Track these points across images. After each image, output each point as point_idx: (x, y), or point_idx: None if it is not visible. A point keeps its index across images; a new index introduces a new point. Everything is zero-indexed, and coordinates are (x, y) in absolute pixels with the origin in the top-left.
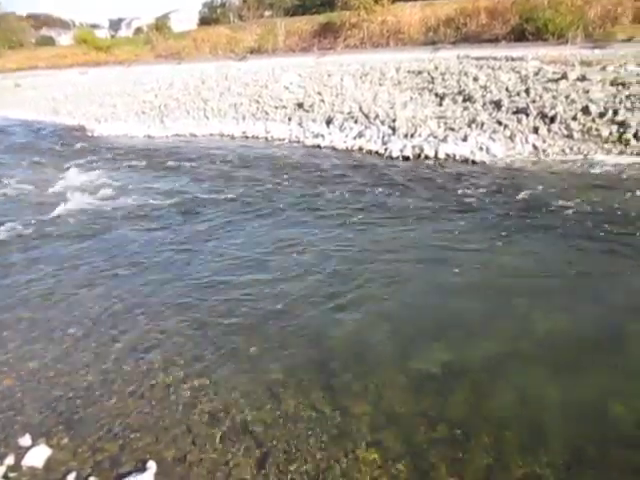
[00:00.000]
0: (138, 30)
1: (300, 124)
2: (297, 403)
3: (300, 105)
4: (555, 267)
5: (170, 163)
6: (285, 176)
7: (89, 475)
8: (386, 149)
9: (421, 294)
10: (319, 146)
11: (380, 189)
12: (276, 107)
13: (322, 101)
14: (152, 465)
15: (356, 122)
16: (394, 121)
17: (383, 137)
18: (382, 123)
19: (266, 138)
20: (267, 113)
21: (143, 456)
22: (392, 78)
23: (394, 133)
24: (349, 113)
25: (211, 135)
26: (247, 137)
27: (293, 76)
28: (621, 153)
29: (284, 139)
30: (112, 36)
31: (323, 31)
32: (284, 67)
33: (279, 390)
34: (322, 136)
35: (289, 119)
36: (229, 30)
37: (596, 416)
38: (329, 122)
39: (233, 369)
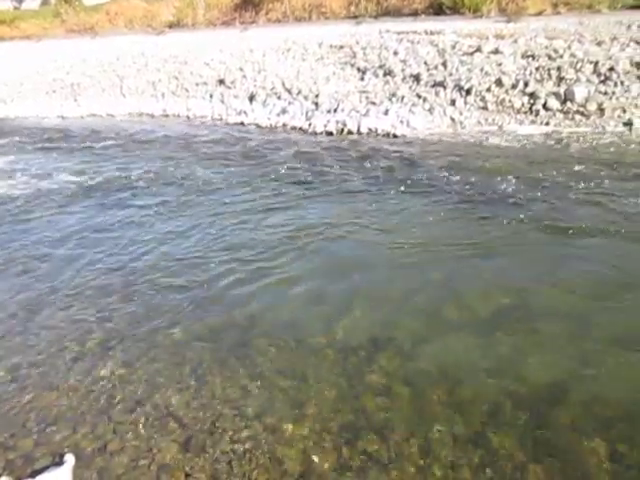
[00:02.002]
0: (45, 2)
1: (222, 101)
2: (223, 383)
3: (221, 81)
4: (469, 235)
5: (85, 144)
6: (206, 155)
7: None
8: (310, 125)
9: (339, 269)
10: (242, 123)
11: (302, 165)
12: (197, 84)
13: (244, 77)
14: (70, 458)
15: (279, 98)
16: (317, 96)
17: (307, 113)
18: (305, 99)
19: (187, 116)
20: (187, 90)
21: (60, 450)
22: (315, 53)
23: (317, 108)
24: (272, 89)
25: (129, 114)
26: (167, 115)
27: (214, 51)
28: (532, 123)
29: (206, 117)
30: (15, 8)
31: (244, 4)
32: (205, 42)
33: (204, 372)
34: (245, 113)
35: (210, 96)
36: (145, 3)
37: (510, 376)
38: (252, 98)
39: (155, 353)
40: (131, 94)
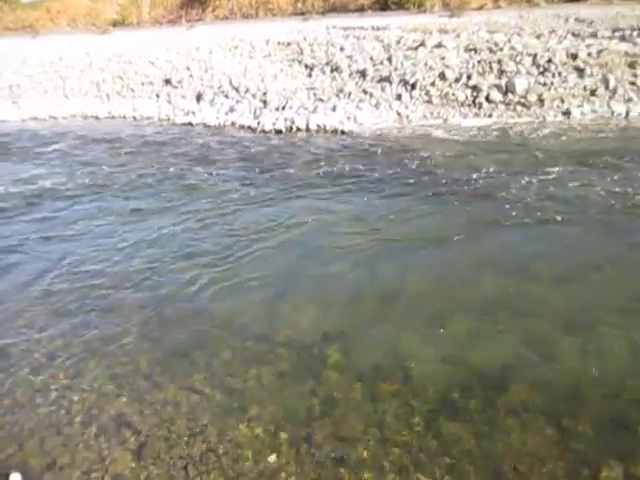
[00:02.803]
0: None
1: (169, 101)
2: (176, 387)
3: (168, 81)
4: (417, 225)
5: (26, 149)
6: (153, 158)
7: None
8: (259, 123)
9: (288, 268)
10: (190, 123)
11: (250, 164)
12: (142, 84)
13: (191, 76)
14: (16, 477)
15: (227, 97)
16: (265, 94)
17: (255, 111)
18: (253, 97)
19: (134, 117)
20: (133, 90)
21: (4, 469)
22: (262, 50)
23: (265, 106)
24: (219, 88)
25: (73, 116)
26: (113, 117)
27: (159, 50)
28: (476, 115)
29: (153, 118)
30: None
31: (191, 2)
32: (150, 40)
33: (156, 377)
34: (193, 113)
35: (157, 96)
36: (89, 0)
37: (459, 364)
38: (199, 98)
39: (105, 361)
40: (74, 95)
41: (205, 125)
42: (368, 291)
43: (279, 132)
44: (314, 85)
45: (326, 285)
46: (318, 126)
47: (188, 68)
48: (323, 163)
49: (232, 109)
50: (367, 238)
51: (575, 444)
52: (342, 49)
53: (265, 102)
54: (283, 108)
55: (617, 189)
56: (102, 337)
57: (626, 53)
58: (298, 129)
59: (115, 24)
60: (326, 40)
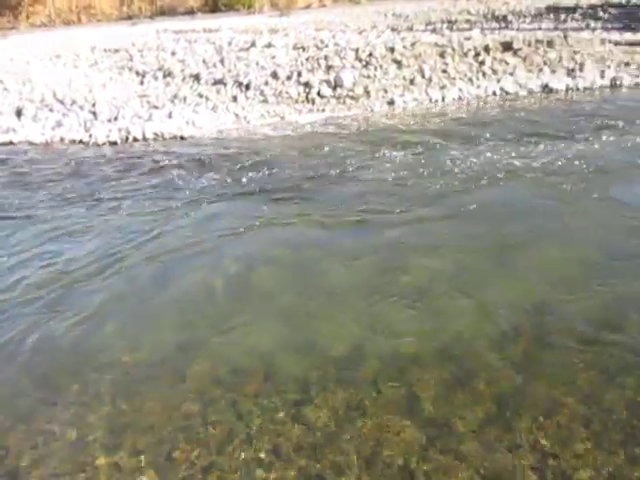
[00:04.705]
0: None
1: None
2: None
3: None
4: (249, 226)
5: None
6: None
7: None
8: (91, 136)
9: (127, 287)
10: (12, 142)
11: (79, 182)
12: None
13: (6, 90)
14: None
15: (51, 110)
16: (94, 105)
17: (85, 123)
18: (81, 108)
19: None
20: None
21: None
22: (88, 58)
23: (96, 118)
24: (42, 101)
25: None
26: None
27: None
28: (310, 111)
29: None
30: None
31: None
32: None
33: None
34: (14, 130)
35: None
36: None
37: (312, 352)
38: (19, 113)
39: None
40: None
41: (30, 143)
42: (210, 297)
43: (114, 143)
44: (147, 92)
45: (171, 298)
46: (156, 134)
47: (1, 81)
48: (161, 172)
49: (59, 123)
50: (210, 242)
51: (425, 406)
52: (174, 53)
53: (95, 113)
54: (116, 118)
55: (435, 166)
56: None
57: (436, 44)
58: (135, 139)
59: None
60: (156, 45)
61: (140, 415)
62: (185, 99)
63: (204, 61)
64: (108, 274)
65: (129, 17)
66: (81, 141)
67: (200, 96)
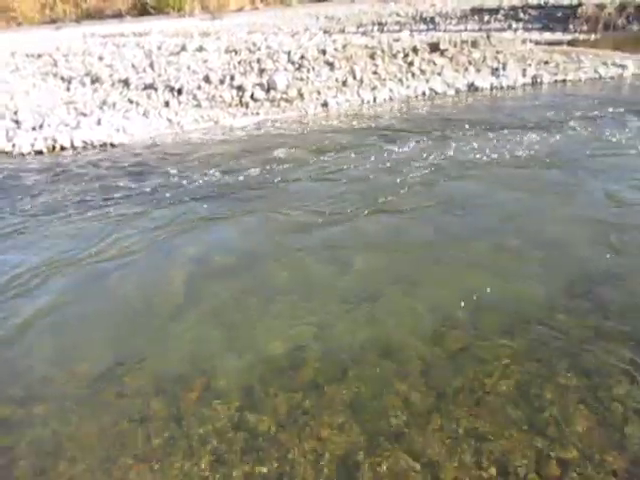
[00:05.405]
0: None
1: None
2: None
3: None
4: (188, 229)
5: None
6: None
7: None
8: (14, 146)
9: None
10: None
11: (5, 193)
12: None
13: None
14: None
15: None
16: (16, 113)
17: (7, 133)
18: (2, 117)
19: None
20: None
21: None
22: (8, 64)
23: (19, 126)
24: None
25: None
26: None
27: None
28: (244, 115)
29: None
30: None
31: None
32: None
33: None
34: None
35: None
36: None
37: (258, 360)
38: None
39: None
40: None
41: None
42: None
43: (40, 153)
44: (74, 99)
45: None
46: (85, 142)
47: None
48: (86, 181)
49: None
50: (139, 252)
51: (366, 402)
52: (101, 58)
53: (18, 122)
54: (41, 127)
55: (366, 165)
56: None
57: (367, 46)
58: (62, 147)
59: None
60: (83, 49)
61: (76, 431)
62: (114, 105)
63: (133, 66)
64: (32, 286)
65: (53, 21)
66: (3, 151)
67: (130, 102)
